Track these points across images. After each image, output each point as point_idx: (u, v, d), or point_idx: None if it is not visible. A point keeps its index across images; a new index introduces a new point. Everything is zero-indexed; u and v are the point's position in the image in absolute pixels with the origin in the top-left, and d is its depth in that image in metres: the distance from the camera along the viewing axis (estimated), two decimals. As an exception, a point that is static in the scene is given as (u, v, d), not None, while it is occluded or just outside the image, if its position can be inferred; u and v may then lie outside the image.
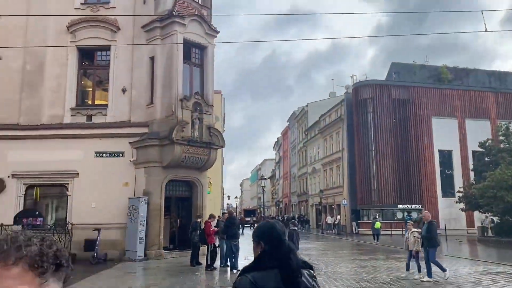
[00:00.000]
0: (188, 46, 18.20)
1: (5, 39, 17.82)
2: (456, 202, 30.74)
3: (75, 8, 18.75)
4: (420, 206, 36.48)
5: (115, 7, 18.81)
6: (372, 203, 37.06)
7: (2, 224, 15.76)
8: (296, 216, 55.30)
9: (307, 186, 54.58)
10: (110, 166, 17.58)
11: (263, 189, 29.57)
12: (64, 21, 18.20)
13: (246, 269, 2.17)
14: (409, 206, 36.04)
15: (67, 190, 17.74)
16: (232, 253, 13.64)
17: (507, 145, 30.37)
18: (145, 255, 16.45)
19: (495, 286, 10.75)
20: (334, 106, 45.17)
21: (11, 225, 16.05)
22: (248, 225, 48.37)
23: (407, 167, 37.29)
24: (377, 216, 33.09)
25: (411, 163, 37.44)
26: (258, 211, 66.34)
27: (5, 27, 18.01)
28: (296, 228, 13.35)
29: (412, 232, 12.13)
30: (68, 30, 18.45)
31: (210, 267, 13.91)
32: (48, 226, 16.61)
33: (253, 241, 2.31)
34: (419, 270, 11.67)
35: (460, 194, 29.93)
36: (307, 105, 55.77)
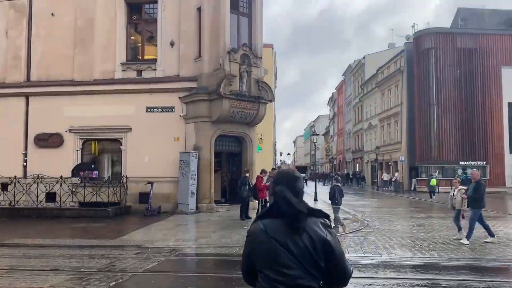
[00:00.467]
0: (236, -7, 17.43)
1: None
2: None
3: (122, -39, 18.41)
4: (485, 163, 34.38)
5: (161, -42, 18.25)
6: (431, 160, 35.35)
7: (61, 177, 16.47)
8: (351, 173, 54.42)
9: (363, 143, 53.08)
10: (161, 121, 17.67)
11: (315, 145, 28.86)
12: (111, -26, 17.98)
13: (261, 215, 2.21)
14: (472, 163, 34.00)
15: (121, 145, 18.14)
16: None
17: None
18: (197, 208, 16.67)
19: None
20: (393, 57, 42.63)
21: (69, 177, 16.75)
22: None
23: (471, 122, 34.91)
24: (433, 173, 31.68)
25: (476, 117, 34.97)
26: (311, 168, 65.79)
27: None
28: (339, 184, 13.28)
29: (459, 190, 11.14)
30: (116, -17, 18.23)
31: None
32: (105, 179, 17.17)
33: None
34: (459, 230, 10.89)
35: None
36: (364, 58, 53.19)
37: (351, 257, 8.59)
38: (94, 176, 16.86)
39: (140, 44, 19.29)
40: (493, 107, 35.21)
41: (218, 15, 16.96)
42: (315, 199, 23.02)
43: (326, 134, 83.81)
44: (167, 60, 17.97)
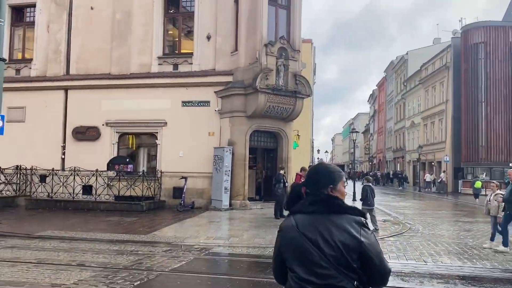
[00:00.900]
0: (274, -15, 16.88)
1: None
2: None
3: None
4: (538, 165, 32.18)
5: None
6: (478, 161, 33.48)
7: (97, 170, 16.54)
8: (391, 172, 52.66)
9: (404, 141, 51.21)
10: (196, 116, 17.42)
11: (354, 143, 27.88)
12: (149, -33, 17.86)
13: (295, 210, 2.16)
14: (524, 165, 31.91)
15: (157, 139, 18.04)
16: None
17: None
18: (230, 204, 16.31)
19: None
20: (438, 53, 40.69)
21: (105, 171, 16.79)
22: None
23: (523, 121, 32.76)
24: (478, 175, 29.93)
25: (529, 116, 32.78)
26: (349, 166, 64.28)
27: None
28: (370, 184, 12.66)
29: (496, 194, 10.06)
30: (153, -24, 18.09)
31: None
32: (140, 173, 17.12)
33: None
34: (492, 239, 9.92)
35: None
36: (407, 53, 51.16)
37: (392, 263, 7.88)
38: (129, 169, 16.82)
39: (177, 38, 19.10)
40: (548, 106, 32.90)
41: (255, 7, 16.48)
42: (353, 199, 22.18)
43: (366, 132, 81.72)
44: (203, 54, 17.68)
